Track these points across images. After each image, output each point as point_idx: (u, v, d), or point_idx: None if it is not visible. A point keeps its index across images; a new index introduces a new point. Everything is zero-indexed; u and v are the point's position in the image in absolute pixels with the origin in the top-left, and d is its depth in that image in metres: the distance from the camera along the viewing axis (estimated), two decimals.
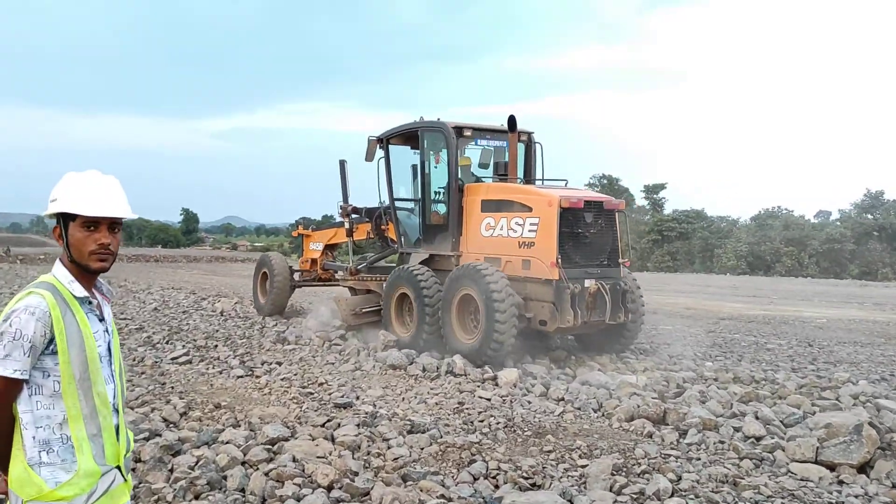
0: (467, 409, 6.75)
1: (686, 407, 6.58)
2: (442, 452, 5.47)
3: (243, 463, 5.05)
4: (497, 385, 7.73)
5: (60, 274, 2.19)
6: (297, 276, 13.34)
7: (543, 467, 5.10)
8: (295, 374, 8.15)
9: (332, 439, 5.64)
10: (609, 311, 8.69)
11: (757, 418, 6.22)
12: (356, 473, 4.96)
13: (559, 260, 8.44)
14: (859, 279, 36.36)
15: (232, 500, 4.45)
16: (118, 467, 2.22)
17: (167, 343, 10.08)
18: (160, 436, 5.42)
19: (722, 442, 5.70)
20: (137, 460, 4.96)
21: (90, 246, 2.15)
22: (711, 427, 6.01)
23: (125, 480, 2.25)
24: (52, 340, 2.08)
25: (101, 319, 2.27)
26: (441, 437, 5.78)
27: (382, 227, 11.36)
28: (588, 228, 8.89)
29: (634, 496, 4.62)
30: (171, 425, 5.96)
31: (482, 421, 6.34)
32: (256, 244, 57.95)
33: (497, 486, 4.84)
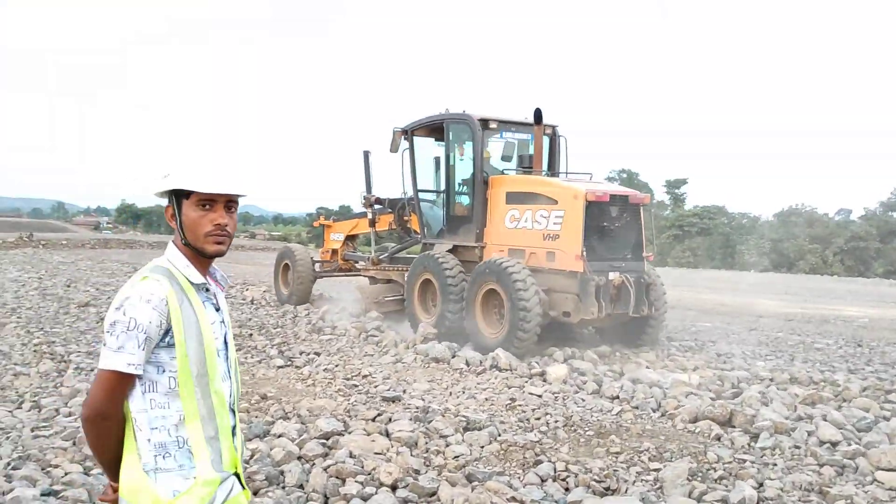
0: (520, 405, 6.50)
1: (750, 409, 6.29)
2: (504, 452, 5.24)
3: (299, 458, 4.85)
4: (545, 381, 7.48)
5: (175, 258, 1.94)
6: (318, 267, 13.25)
7: (615, 470, 4.84)
8: (336, 366, 7.94)
9: (388, 434, 5.44)
10: (633, 304, 8.73)
11: (825, 421, 5.95)
12: (418, 472, 4.75)
13: (584, 252, 8.44)
14: (885, 278, 35.75)
15: (295, 497, 4.24)
16: (236, 474, 1.96)
17: None
18: None
19: (797, 447, 5.41)
20: None
21: (206, 227, 1.90)
22: (783, 431, 5.73)
23: (243, 488, 1.98)
24: (167, 331, 1.83)
25: (218, 309, 2.02)
26: (499, 435, 5.56)
27: (405, 217, 11.43)
28: (613, 222, 8.97)
29: None
30: None
31: (538, 419, 6.10)
32: (274, 233, 57.90)
33: (567, 489, 4.61)
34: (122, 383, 1.81)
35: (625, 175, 54.42)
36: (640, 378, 7.57)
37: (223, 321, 2.01)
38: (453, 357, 8.35)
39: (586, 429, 5.84)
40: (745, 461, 5.11)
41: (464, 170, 10.39)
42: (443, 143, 10.52)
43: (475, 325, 9.12)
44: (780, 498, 4.42)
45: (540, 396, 6.85)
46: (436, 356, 8.31)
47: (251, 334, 9.77)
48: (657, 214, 48.72)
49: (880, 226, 42.47)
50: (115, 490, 1.90)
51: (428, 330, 9.36)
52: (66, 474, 4.47)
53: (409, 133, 10.78)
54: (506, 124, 10.28)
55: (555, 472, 4.83)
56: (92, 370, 7.29)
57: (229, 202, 1.93)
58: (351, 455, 4.87)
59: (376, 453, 5.00)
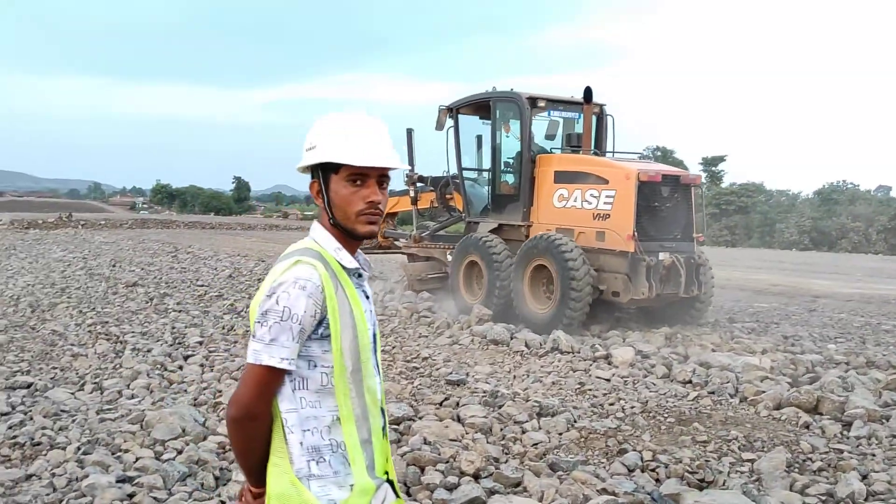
0: (590, 390, 6.27)
1: (835, 395, 5.97)
2: (584, 439, 5.01)
3: None
4: (611, 364, 7.22)
5: (323, 239, 1.72)
6: None
7: (707, 461, 4.58)
8: (393, 347, 7.77)
9: (460, 420, 5.25)
10: (684, 285, 8.66)
11: None
12: (497, 459, 4.55)
13: (635, 233, 8.32)
14: None
15: None
16: (389, 481, 1.75)
17: None
18: None
19: (895, 436, 5.10)
20: None
21: (357, 205, 1.66)
22: (876, 419, 5.41)
23: (397, 496, 1.76)
24: (321, 322, 1.61)
25: (367, 297, 1.78)
26: (575, 421, 5.33)
27: (447, 195, 11.32)
28: (664, 202, 8.89)
29: (822, 498, 4.09)
30: None
31: (612, 404, 5.87)
32: (307, 213, 58.09)
33: (658, 480, 4.37)
34: (274, 380, 1.59)
35: (659, 153, 53.43)
36: (710, 361, 7.28)
37: (372, 310, 1.78)
38: (512, 339, 8.14)
39: (666, 415, 5.59)
40: (842, 451, 4.82)
41: (509, 148, 10.27)
42: (488, 122, 10.39)
43: (523, 301, 9.10)
44: (891, 493, 4.13)
45: (608, 381, 6.61)
46: (494, 338, 8.10)
47: None
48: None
49: None
50: (255, 495, 1.70)
51: (483, 311, 9.15)
52: (137, 459, 4.35)
53: (454, 111, 10.66)
54: (554, 103, 10.20)
55: (642, 461, 4.60)
56: (148, 351, 7.20)
57: (381, 177, 1.69)
58: (426, 442, 4.70)
59: (451, 440, 4.82)
